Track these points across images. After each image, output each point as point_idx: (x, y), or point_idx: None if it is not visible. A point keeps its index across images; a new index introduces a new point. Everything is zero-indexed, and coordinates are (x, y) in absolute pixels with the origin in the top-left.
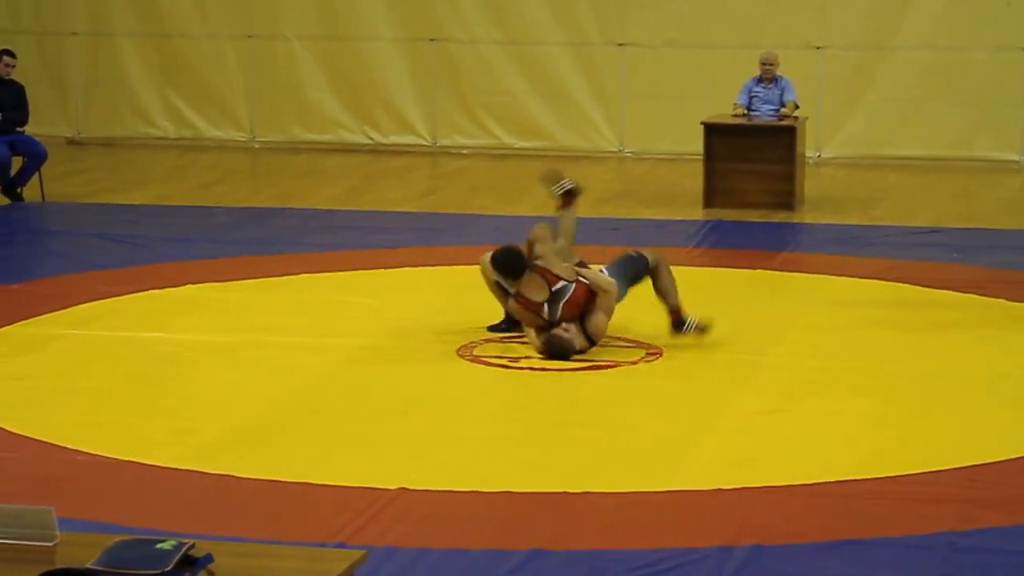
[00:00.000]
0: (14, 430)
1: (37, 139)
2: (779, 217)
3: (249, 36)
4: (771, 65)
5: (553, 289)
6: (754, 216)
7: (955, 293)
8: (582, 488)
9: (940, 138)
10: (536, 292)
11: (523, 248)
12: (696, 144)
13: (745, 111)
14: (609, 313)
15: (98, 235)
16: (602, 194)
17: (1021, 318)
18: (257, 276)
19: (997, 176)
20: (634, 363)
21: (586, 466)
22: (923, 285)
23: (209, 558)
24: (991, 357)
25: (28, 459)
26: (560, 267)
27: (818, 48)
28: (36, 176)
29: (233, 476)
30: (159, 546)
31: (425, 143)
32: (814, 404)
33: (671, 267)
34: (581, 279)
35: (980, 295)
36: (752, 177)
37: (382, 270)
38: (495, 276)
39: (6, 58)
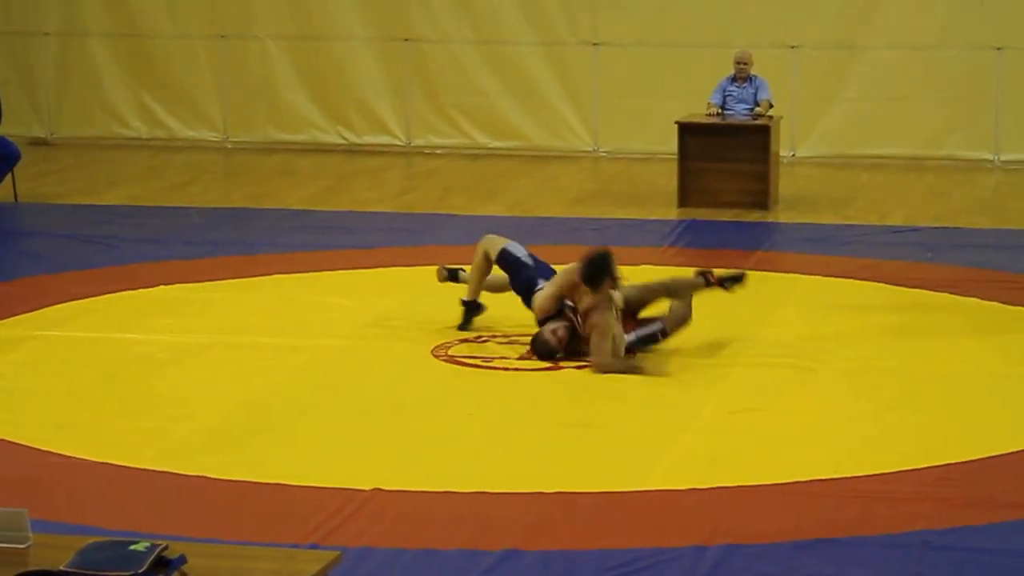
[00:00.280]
0: None
1: (10, 140)
2: (753, 216)
3: (222, 36)
4: (745, 64)
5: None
6: (728, 215)
7: (929, 292)
8: (556, 488)
9: (914, 137)
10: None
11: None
12: (670, 143)
13: (719, 110)
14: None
15: (71, 236)
16: (576, 194)
17: (994, 317)
18: (231, 277)
19: (971, 175)
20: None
21: (560, 466)
22: (897, 284)
23: (183, 559)
24: (965, 356)
25: (1, 461)
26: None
27: (792, 47)
28: (9, 177)
29: (207, 477)
30: (132, 547)
31: (399, 143)
32: (788, 403)
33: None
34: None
35: (954, 294)
36: (726, 176)
37: (356, 270)
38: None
39: None
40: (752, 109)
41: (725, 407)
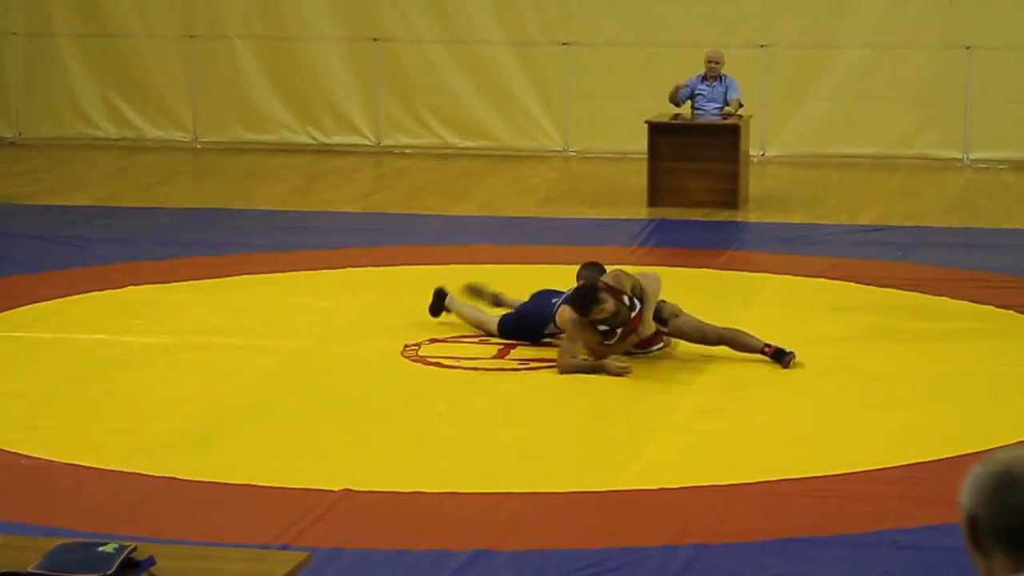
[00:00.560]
0: None
1: None
2: (723, 216)
3: (191, 36)
4: (716, 63)
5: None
6: (698, 215)
7: (899, 292)
8: (527, 488)
9: (884, 136)
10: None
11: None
12: (640, 143)
13: (685, 84)
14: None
15: (40, 237)
16: (547, 193)
17: (964, 316)
18: (200, 277)
19: (941, 174)
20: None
21: (531, 466)
22: (867, 284)
23: (151, 561)
24: (934, 355)
25: None
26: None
27: (761, 46)
28: None
29: (176, 478)
30: (101, 549)
31: (369, 143)
32: (757, 403)
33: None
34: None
35: (924, 293)
36: (696, 176)
37: (326, 271)
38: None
39: None
40: (722, 108)
41: (695, 407)
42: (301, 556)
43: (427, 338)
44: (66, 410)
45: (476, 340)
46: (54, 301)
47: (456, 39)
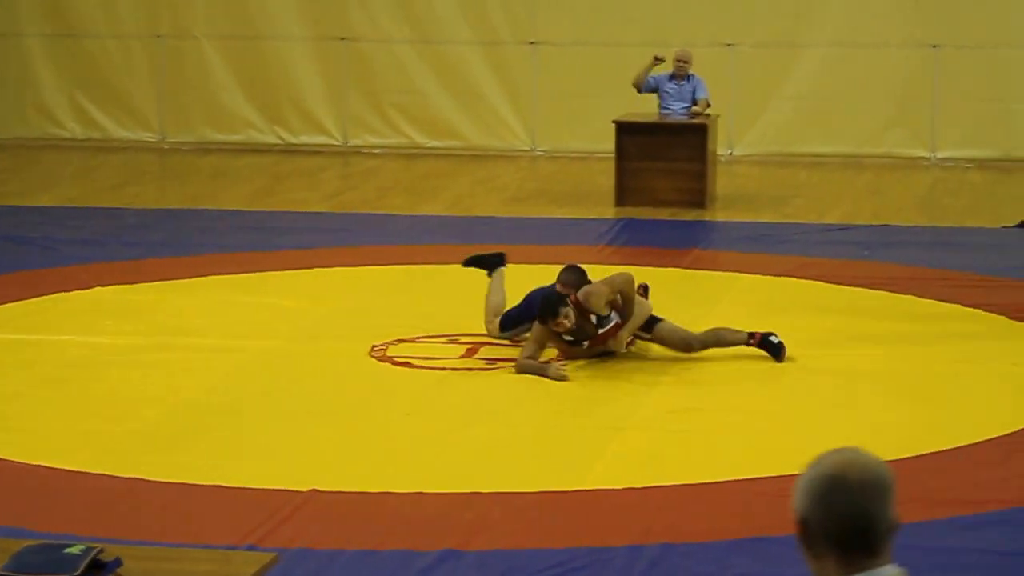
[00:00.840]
0: None
1: None
2: (691, 215)
3: (157, 36)
4: (685, 62)
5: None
6: (666, 214)
7: (866, 290)
8: (493, 488)
9: (851, 135)
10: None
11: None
12: (608, 142)
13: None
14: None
15: (6, 238)
16: (514, 193)
17: (931, 316)
18: (167, 278)
19: (908, 173)
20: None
21: (497, 466)
22: (834, 283)
23: (118, 562)
24: (901, 354)
25: None
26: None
27: (729, 45)
28: None
29: (143, 479)
30: (68, 551)
31: (336, 143)
32: (723, 402)
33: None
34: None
35: (891, 292)
36: (664, 175)
37: (293, 271)
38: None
39: None
40: (690, 107)
41: (661, 406)
42: (268, 557)
43: (394, 338)
44: (33, 411)
45: (444, 340)
46: (21, 302)
47: (423, 39)
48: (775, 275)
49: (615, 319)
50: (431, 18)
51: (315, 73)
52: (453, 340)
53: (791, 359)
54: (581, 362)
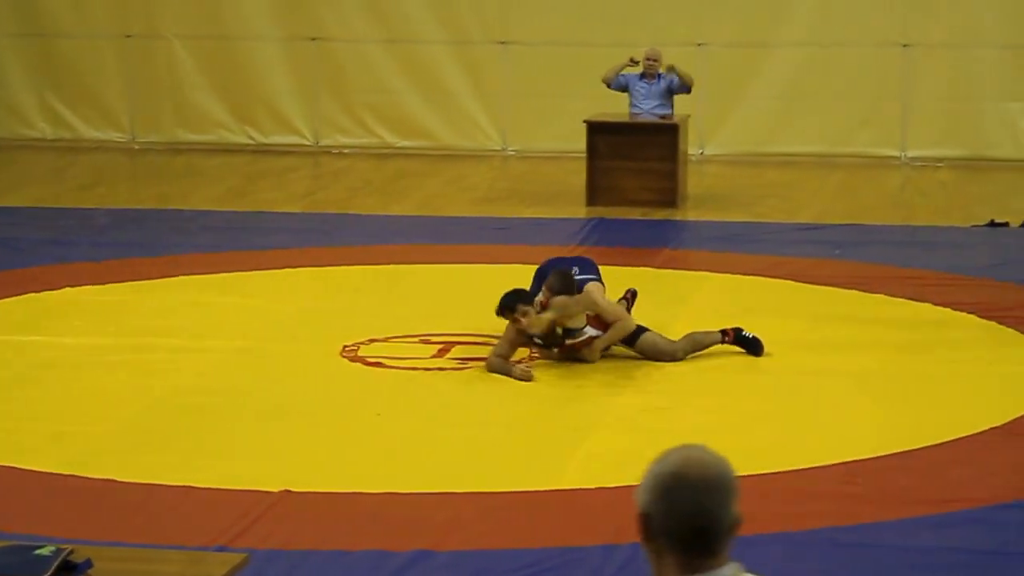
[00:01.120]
0: None
1: None
2: (662, 214)
3: (128, 36)
4: (655, 61)
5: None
6: (637, 214)
7: (838, 289)
8: (466, 488)
9: (822, 134)
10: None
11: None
12: (579, 142)
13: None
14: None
15: None
16: (485, 193)
17: (902, 315)
18: (137, 278)
19: (878, 172)
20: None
21: (469, 466)
22: (806, 282)
23: (88, 563)
24: (871, 354)
25: None
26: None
27: (699, 45)
28: None
29: (113, 480)
30: (37, 552)
31: (307, 143)
32: (695, 402)
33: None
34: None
35: (862, 291)
36: (635, 175)
37: (264, 271)
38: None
39: None
40: (660, 106)
41: (632, 406)
42: (239, 558)
43: (366, 338)
44: (2, 412)
45: (415, 340)
46: None
47: (394, 39)
48: (746, 274)
49: (589, 332)
50: (402, 18)
51: (286, 73)
52: (425, 340)
53: (763, 356)
54: (552, 363)
